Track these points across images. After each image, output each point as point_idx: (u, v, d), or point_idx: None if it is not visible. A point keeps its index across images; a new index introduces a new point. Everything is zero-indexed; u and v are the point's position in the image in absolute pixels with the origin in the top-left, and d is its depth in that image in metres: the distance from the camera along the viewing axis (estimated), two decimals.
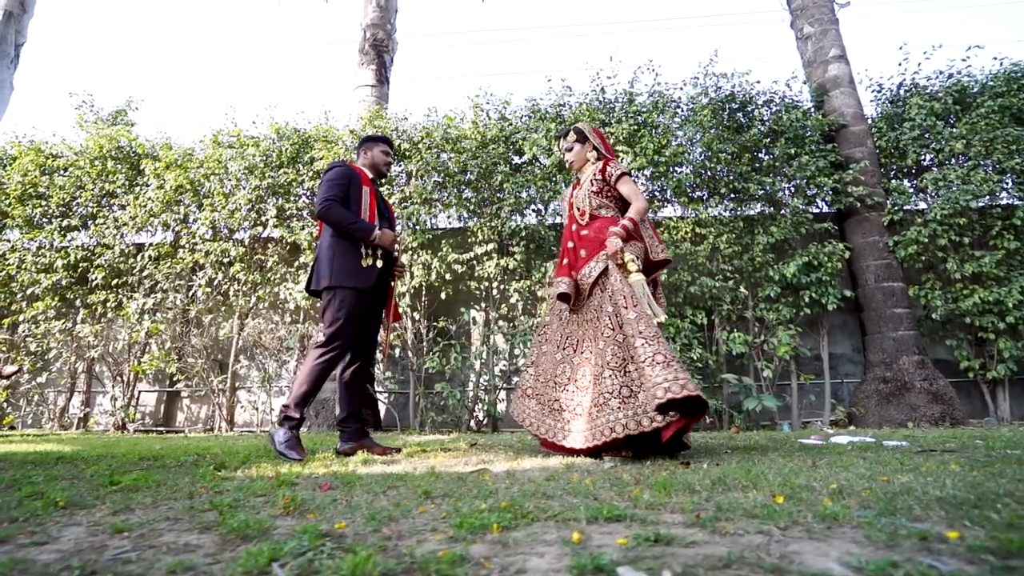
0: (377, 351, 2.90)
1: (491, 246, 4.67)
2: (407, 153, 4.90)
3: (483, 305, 4.90)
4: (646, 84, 5.09)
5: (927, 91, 4.95)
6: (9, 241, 4.99)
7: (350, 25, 6.05)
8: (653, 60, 5.07)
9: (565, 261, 2.46)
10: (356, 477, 1.60)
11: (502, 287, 4.75)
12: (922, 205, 4.89)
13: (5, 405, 4.90)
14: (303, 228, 4.79)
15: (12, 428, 4.85)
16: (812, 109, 5.09)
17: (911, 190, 4.92)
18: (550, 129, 4.79)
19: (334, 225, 2.46)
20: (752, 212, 4.77)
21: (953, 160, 4.78)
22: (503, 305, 4.77)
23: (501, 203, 4.72)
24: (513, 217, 4.78)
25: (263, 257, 4.94)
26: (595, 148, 2.56)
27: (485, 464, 2.04)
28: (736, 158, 4.74)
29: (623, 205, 2.50)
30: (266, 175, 4.84)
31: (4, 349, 4.78)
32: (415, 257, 4.69)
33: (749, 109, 4.90)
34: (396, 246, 2.63)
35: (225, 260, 4.81)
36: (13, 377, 4.35)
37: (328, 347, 2.37)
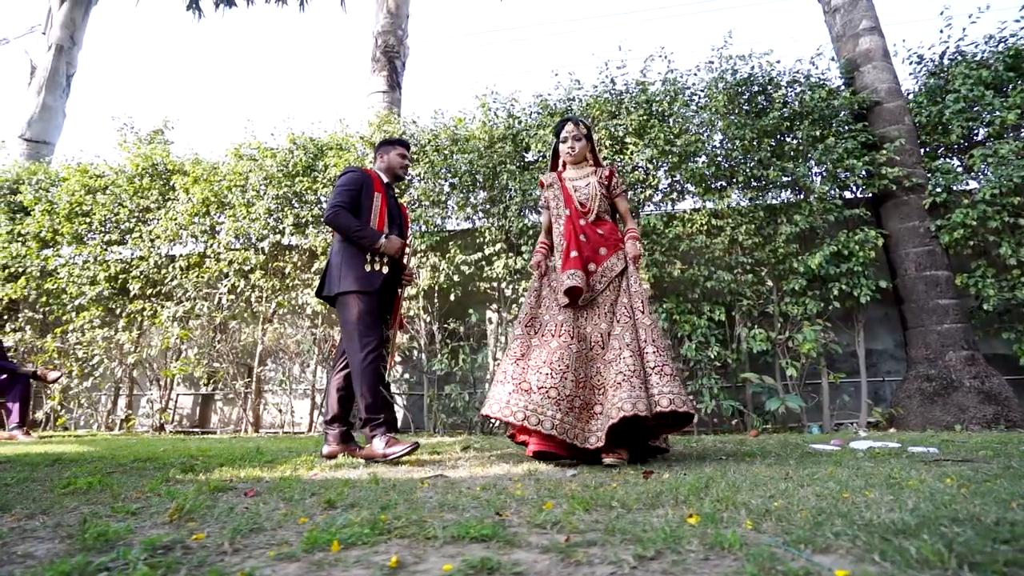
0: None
1: (499, 246, 4.62)
2: (415, 156, 4.94)
3: (496, 306, 4.86)
4: (659, 72, 4.89)
5: (975, 59, 4.48)
6: (61, 257, 5.40)
7: (366, 33, 6.20)
8: (665, 47, 4.86)
9: (574, 254, 2.36)
10: (292, 482, 1.59)
11: (512, 287, 4.69)
12: (973, 184, 4.43)
13: (59, 408, 5.31)
14: (318, 235, 4.91)
15: (65, 429, 5.25)
16: (842, 87, 4.72)
17: (959, 169, 4.47)
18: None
19: (341, 231, 2.50)
20: (774, 200, 4.47)
21: (1008, 133, 4.30)
22: (514, 305, 4.71)
23: (508, 202, 4.66)
24: (523, 215, 4.71)
25: (282, 264, 5.11)
26: (592, 151, 2.66)
27: (445, 471, 2.00)
28: (756, 144, 4.46)
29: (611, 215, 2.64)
30: (283, 184, 5.00)
31: (56, 356, 5.18)
32: (424, 260, 4.71)
33: (769, 91, 4.60)
34: (406, 251, 2.61)
35: (246, 268, 5.01)
36: (57, 381, 4.70)
37: (365, 351, 2.40)
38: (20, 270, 5.38)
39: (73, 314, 5.23)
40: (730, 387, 4.35)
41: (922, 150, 4.61)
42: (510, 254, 4.64)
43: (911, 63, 4.82)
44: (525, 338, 2.34)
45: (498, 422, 4.57)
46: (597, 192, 2.54)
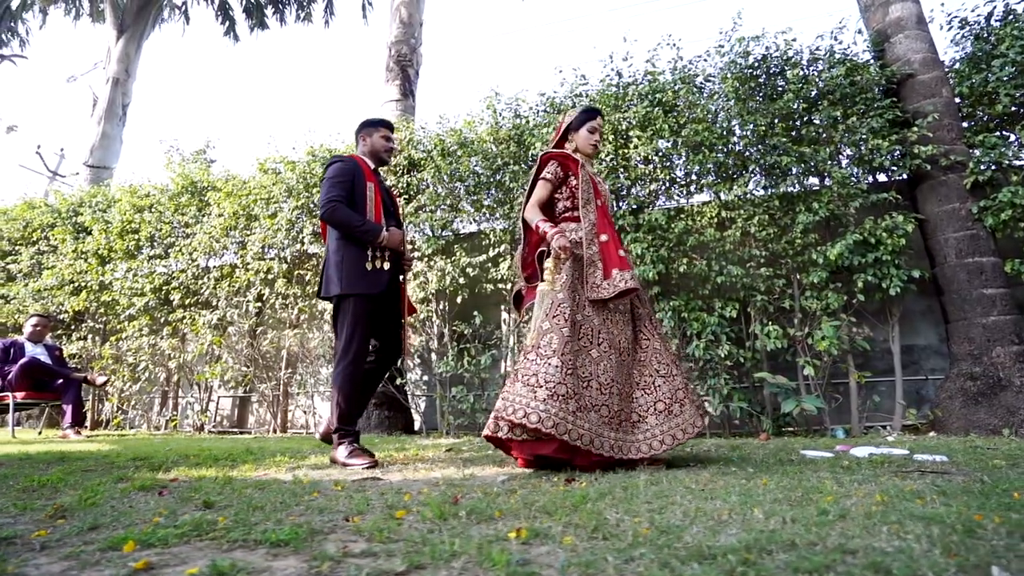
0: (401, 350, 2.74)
1: (504, 247, 4.62)
2: (421, 163, 5.03)
3: (503, 307, 4.85)
4: (669, 61, 4.70)
5: None
6: (115, 271, 5.93)
7: (383, 44, 6.45)
8: (672, 34, 4.66)
9: (622, 252, 2.24)
10: (223, 483, 1.66)
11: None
12: None
13: (115, 410, 5.84)
14: None
15: (119, 428, 5.76)
16: (871, 60, 4.33)
17: (1016, 143, 3.99)
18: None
19: (340, 228, 2.38)
20: (791, 188, 4.16)
21: None
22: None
23: (513, 202, 4.64)
24: None
25: (303, 272, 5.35)
26: None
27: (387, 474, 2.02)
28: (770, 129, 4.18)
29: None
30: (301, 196, 5.24)
31: (112, 362, 5.70)
32: (431, 264, 4.78)
33: (786, 71, 4.30)
34: (404, 245, 2.53)
35: (270, 277, 5.29)
36: (106, 385, 5.15)
37: (348, 358, 2.35)
38: (82, 284, 5.95)
39: (126, 323, 5.73)
40: (747, 387, 4.10)
41: (965, 124, 4.16)
42: (514, 255, 4.61)
43: (953, 29, 4.35)
44: (573, 342, 2.06)
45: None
46: (608, 193, 2.46)
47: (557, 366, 1.95)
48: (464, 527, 1.06)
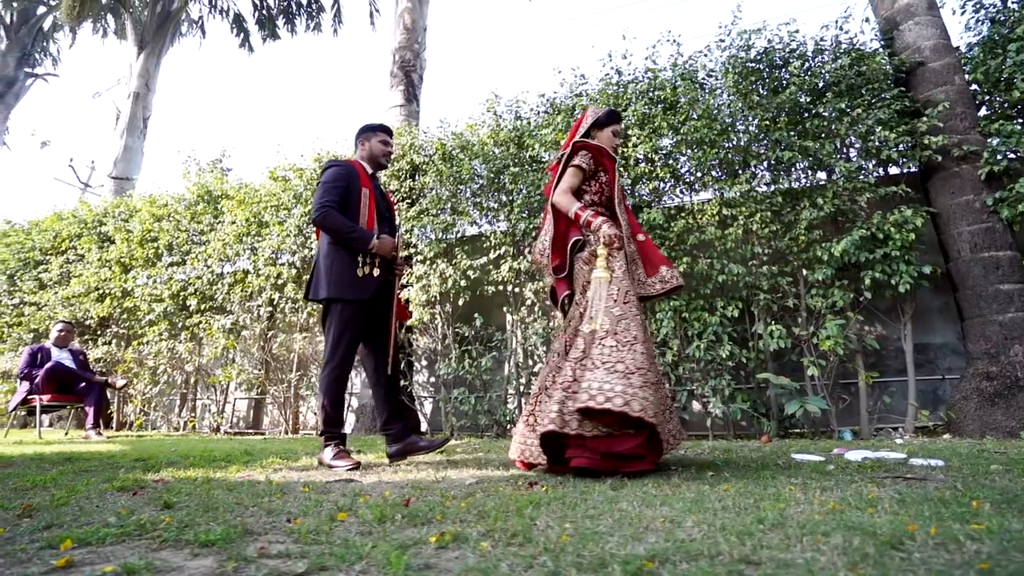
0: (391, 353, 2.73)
1: (504, 249, 4.63)
2: (423, 166, 5.08)
3: (506, 309, 4.86)
4: (669, 57, 4.64)
5: None
6: (137, 279, 6.16)
7: (387, 50, 6.54)
8: (672, 31, 4.59)
9: (663, 252, 2.29)
10: (202, 484, 1.72)
11: (519, 288, 4.67)
12: None
13: (138, 412, 6.07)
14: None
15: (141, 429, 5.98)
16: (879, 49, 4.20)
17: None
18: (559, 125, 4.60)
19: (331, 233, 2.40)
20: (795, 184, 4.06)
21: None
22: (522, 307, 4.69)
23: (512, 204, 4.65)
24: (529, 217, 4.67)
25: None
26: None
27: (365, 476, 2.05)
28: (773, 123, 4.09)
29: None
30: (309, 202, 5.35)
31: (134, 365, 5.93)
32: (434, 266, 4.83)
33: (791, 61, 4.19)
34: (396, 251, 2.52)
35: (280, 282, 5.42)
36: (125, 388, 5.36)
37: (334, 362, 2.38)
38: (106, 291, 6.21)
39: (146, 328, 5.95)
40: (750, 388, 4.02)
41: (981, 112, 3.99)
42: (517, 256, 4.63)
43: (965, 13, 4.18)
44: (642, 326, 1.94)
45: (509, 424, 4.56)
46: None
47: (643, 353, 1.81)
48: (397, 530, 1.08)
